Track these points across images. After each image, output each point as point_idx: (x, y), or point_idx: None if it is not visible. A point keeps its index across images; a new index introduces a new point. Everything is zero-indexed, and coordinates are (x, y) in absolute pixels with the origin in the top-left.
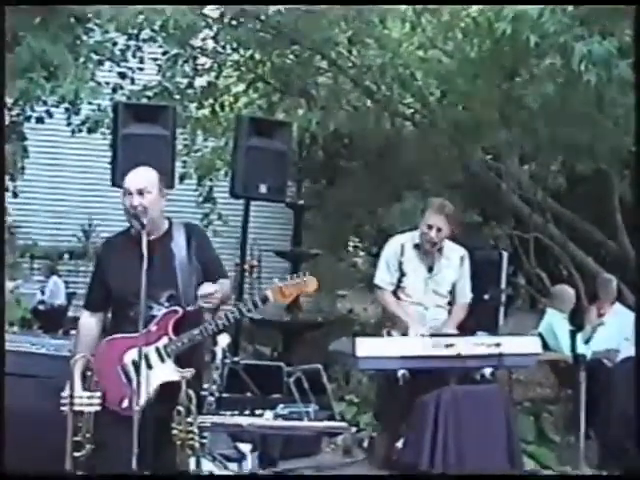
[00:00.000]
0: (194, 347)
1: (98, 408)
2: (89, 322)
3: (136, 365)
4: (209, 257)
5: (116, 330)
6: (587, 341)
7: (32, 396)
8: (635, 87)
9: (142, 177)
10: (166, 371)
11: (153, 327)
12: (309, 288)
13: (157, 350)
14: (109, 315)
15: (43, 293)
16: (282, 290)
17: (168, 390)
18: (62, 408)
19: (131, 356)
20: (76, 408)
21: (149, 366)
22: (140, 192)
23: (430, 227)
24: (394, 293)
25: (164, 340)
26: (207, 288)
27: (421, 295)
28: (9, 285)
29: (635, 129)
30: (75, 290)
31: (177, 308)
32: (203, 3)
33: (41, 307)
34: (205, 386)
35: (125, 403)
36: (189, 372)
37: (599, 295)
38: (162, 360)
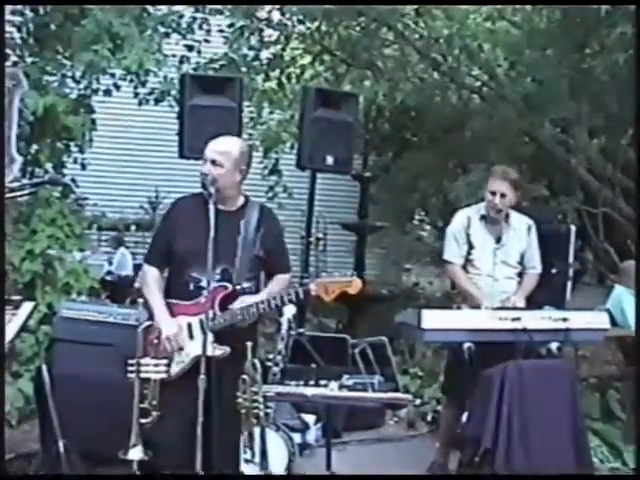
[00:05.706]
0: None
1: (164, 375)
2: (154, 271)
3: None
4: (275, 247)
5: (169, 292)
6: None
7: (100, 363)
8: (635, 84)
9: (218, 149)
10: (205, 345)
11: (202, 299)
12: (352, 289)
13: (201, 322)
14: (165, 275)
15: (111, 264)
16: (326, 287)
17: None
18: (129, 375)
19: (178, 322)
20: (143, 375)
21: (191, 336)
22: (213, 162)
23: (494, 193)
24: (463, 267)
25: (209, 314)
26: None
27: (490, 266)
28: (77, 255)
29: (635, 125)
30: (142, 262)
31: (227, 284)
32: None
33: (108, 278)
34: (270, 356)
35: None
36: (223, 351)
37: None
38: (204, 333)
